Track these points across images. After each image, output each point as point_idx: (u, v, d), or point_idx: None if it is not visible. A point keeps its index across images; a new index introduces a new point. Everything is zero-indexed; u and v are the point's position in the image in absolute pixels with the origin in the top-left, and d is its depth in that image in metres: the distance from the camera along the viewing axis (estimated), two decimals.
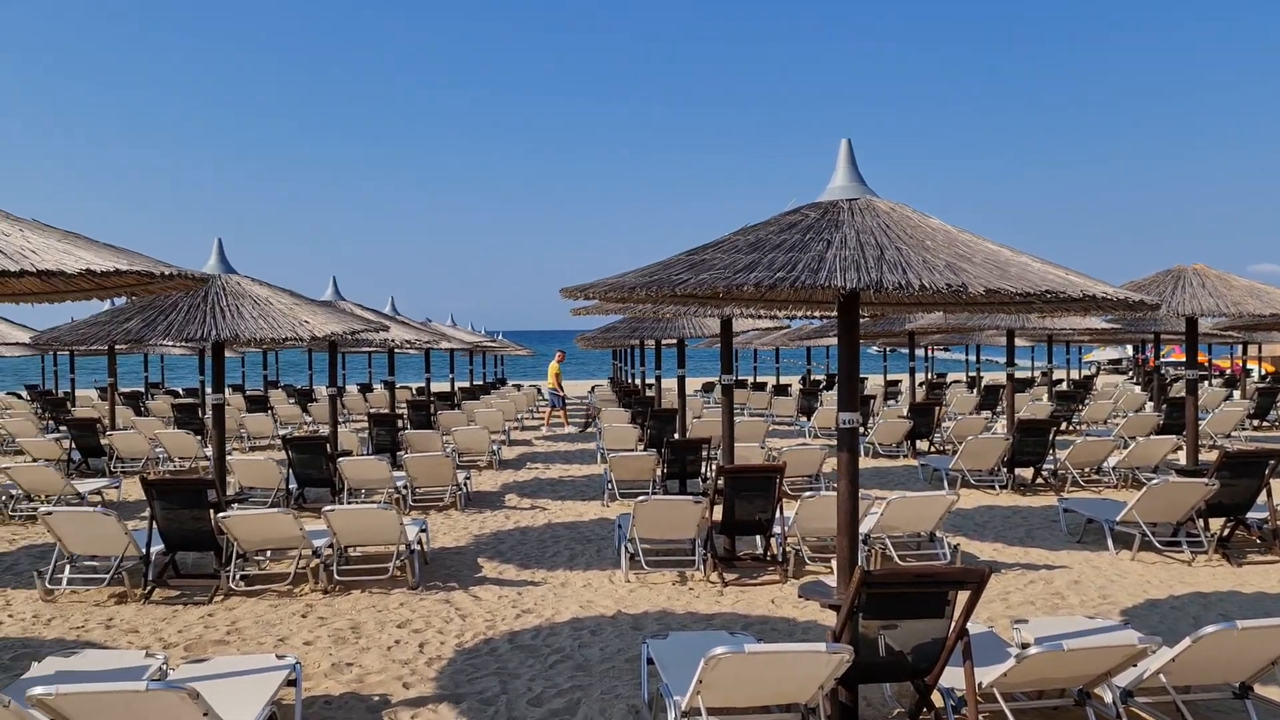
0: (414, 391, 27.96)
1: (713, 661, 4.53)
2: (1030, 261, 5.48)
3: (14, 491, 12.43)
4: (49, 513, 8.61)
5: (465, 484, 12.92)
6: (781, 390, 29.44)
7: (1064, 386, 29.29)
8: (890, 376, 32.10)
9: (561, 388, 25.63)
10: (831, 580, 6.19)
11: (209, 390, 27.00)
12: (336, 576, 8.73)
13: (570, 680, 6.36)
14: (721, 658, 4.52)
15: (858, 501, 5.78)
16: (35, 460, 15.47)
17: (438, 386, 28.76)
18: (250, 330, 8.66)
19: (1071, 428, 21.60)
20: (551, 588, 8.70)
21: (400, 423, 16.37)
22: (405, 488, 12.45)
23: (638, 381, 31.31)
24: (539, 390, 35.13)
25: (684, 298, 7.07)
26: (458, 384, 28.60)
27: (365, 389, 32.21)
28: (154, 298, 8.52)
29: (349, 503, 11.82)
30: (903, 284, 4.81)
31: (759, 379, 34.81)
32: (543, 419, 27.28)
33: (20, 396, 32.45)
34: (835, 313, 7.66)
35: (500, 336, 35.41)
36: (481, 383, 36.47)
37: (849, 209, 5.70)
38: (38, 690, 4.16)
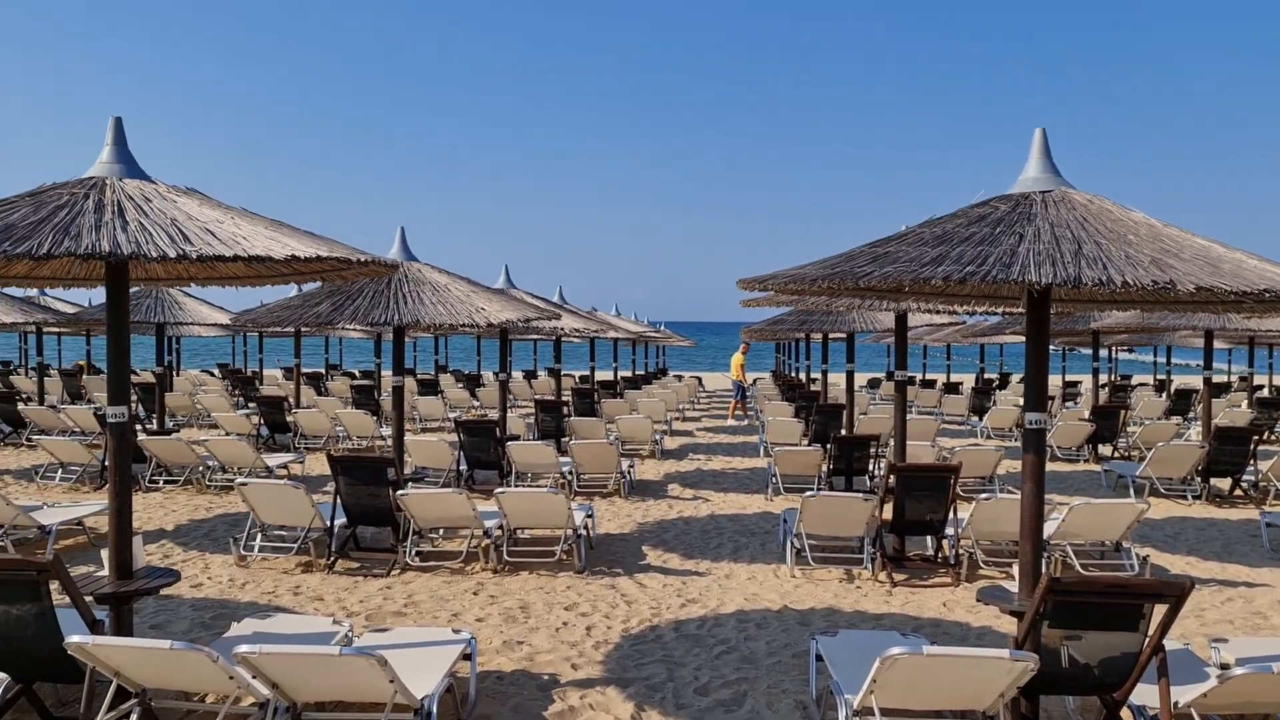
0: (577, 379, 28.47)
1: (889, 661, 4.41)
2: (1245, 258, 5.09)
3: (211, 463, 13.29)
4: (244, 484, 9.17)
5: (629, 472, 13.05)
6: (952, 388, 28.52)
7: (1265, 393, 27.31)
8: (1069, 376, 30.65)
9: (745, 379, 25.33)
10: (1011, 586, 5.94)
11: (387, 373, 28.27)
12: (506, 557, 8.96)
13: (736, 672, 6.33)
14: (898, 658, 4.39)
15: (1043, 505, 5.52)
16: (228, 434, 16.52)
17: (601, 375, 29.20)
18: (430, 316, 8.96)
19: (1274, 437, 20.14)
20: (716, 579, 8.68)
21: (565, 410, 16.67)
22: (570, 473, 12.67)
23: (800, 375, 30.96)
24: (699, 381, 35.17)
25: (862, 291, 6.90)
26: (620, 373, 28.96)
27: (530, 375, 33.02)
28: (342, 283, 8.93)
29: (516, 486, 12.13)
30: (1103, 280, 4.55)
31: (928, 375, 33.84)
32: (704, 410, 27.30)
33: (212, 374, 34.75)
34: (1020, 309, 7.36)
35: (662, 327, 35.63)
36: (643, 372, 36.79)
37: (1042, 201, 5.43)
38: (243, 648, 4.42)
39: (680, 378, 36.60)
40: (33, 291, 22.45)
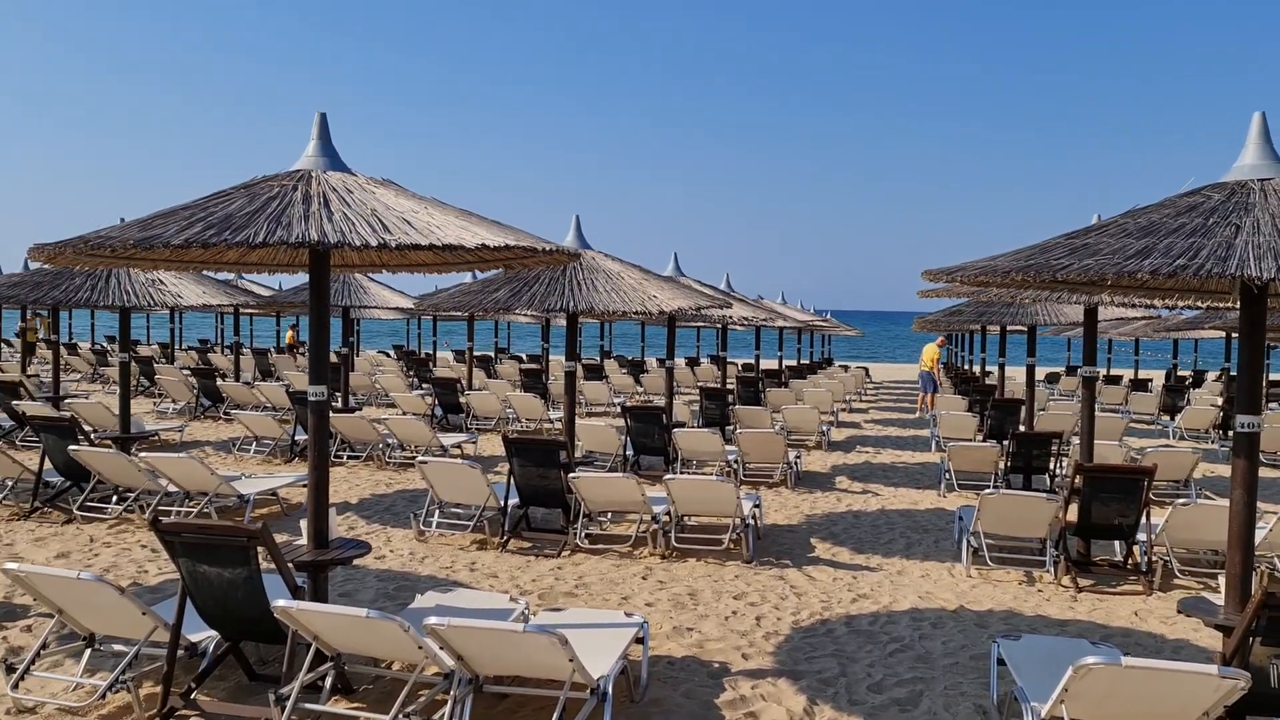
0: (740, 367, 28.39)
1: (1082, 671, 4.22)
2: None
3: (390, 440, 13.90)
4: (424, 462, 9.55)
5: (796, 462, 12.93)
6: (1140, 385, 26.97)
7: None
8: (1272, 375, 28.55)
9: (939, 373, 24.34)
10: (1215, 598, 5.58)
11: (555, 357, 28.93)
12: (674, 543, 9.03)
13: (911, 671, 6.18)
14: (1093, 668, 4.19)
15: (1254, 513, 5.17)
16: (405, 413, 17.25)
17: (765, 363, 29.02)
18: (604, 303, 9.10)
19: None
20: (888, 575, 8.51)
21: (730, 398, 16.65)
22: (736, 462, 12.66)
23: (974, 368, 29.93)
24: (866, 371, 34.48)
25: (1056, 284, 6.60)
26: (785, 361, 28.71)
27: (693, 362, 33.14)
28: (521, 270, 9.16)
29: (682, 473, 12.20)
30: None
31: (1113, 371, 32.14)
32: (871, 402, 26.78)
33: (388, 355, 36.34)
34: (1228, 304, 6.89)
35: (829, 316, 35.10)
36: (808, 361, 36.36)
37: (1261, 190, 5.06)
38: (432, 620, 4.61)
39: (847, 368, 35.99)
40: (230, 275, 24.07)
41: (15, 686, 5.38)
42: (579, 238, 9.85)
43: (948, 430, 15.86)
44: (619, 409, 21.13)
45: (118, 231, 5.17)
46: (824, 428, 16.75)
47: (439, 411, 18.26)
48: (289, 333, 36.46)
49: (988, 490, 8.42)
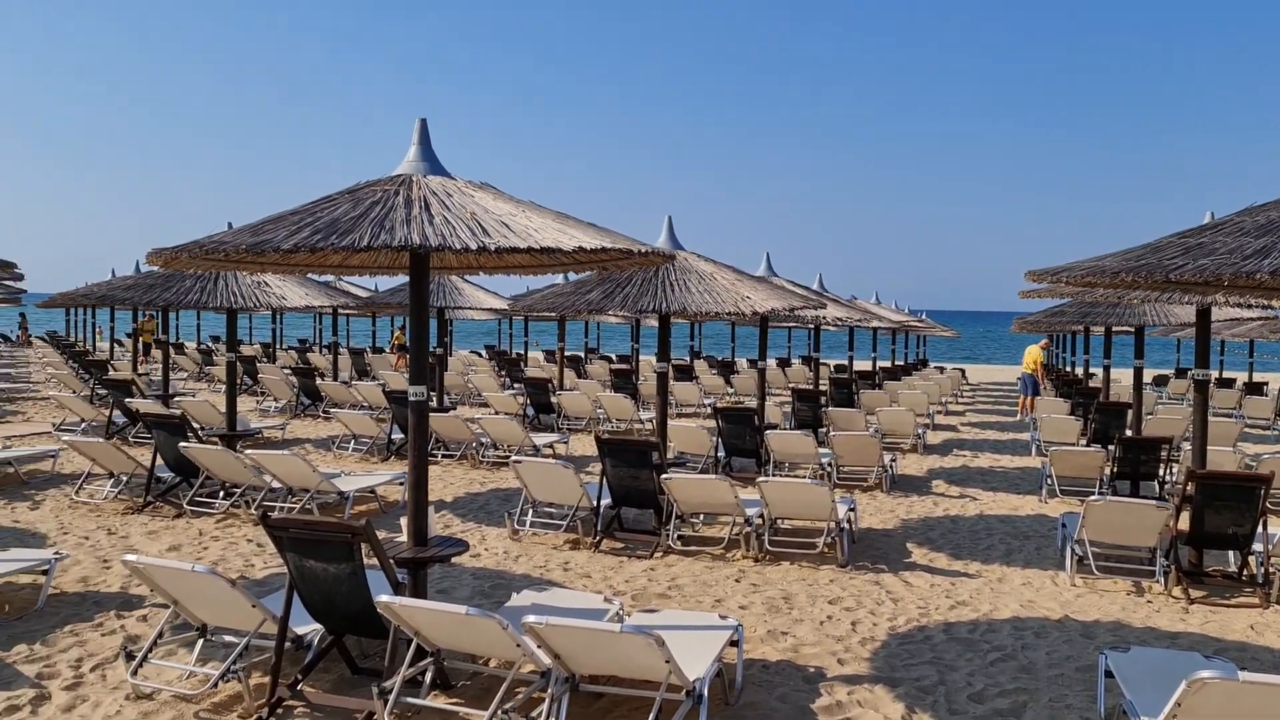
0: (832, 368, 28.07)
1: (1197, 685, 4.06)
2: None
3: (484, 439, 14.11)
4: (518, 461, 9.67)
5: (891, 466, 12.74)
6: (1255, 388, 25.83)
7: None
8: None
9: (1041, 375, 23.59)
10: None
11: (645, 358, 28.98)
12: (767, 546, 8.97)
13: (1014, 681, 6.04)
14: (1208, 683, 4.03)
15: None
16: (498, 413, 17.49)
17: (859, 364, 28.66)
18: (697, 304, 9.09)
19: None
20: (987, 581, 8.32)
21: (823, 399, 16.49)
22: (830, 464, 12.52)
23: (1076, 370, 29.09)
24: (963, 373, 33.77)
25: (1167, 284, 6.38)
26: (879, 363, 28.31)
27: (784, 363, 32.90)
28: (616, 272, 9.21)
29: (774, 475, 12.12)
30: None
31: (1225, 373, 30.88)
32: (968, 404, 26.22)
33: (480, 355, 36.91)
34: None
35: (924, 316, 34.45)
36: (903, 363, 35.76)
37: None
38: (530, 619, 4.66)
39: (943, 369, 35.29)
40: (329, 277, 24.73)
41: (134, 673, 5.61)
42: (671, 238, 9.86)
43: (1049, 434, 15.44)
44: (710, 410, 21.11)
45: (230, 236, 5.36)
46: (919, 430, 16.45)
47: (531, 411, 18.47)
48: (397, 333, 37.43)
49: (1093, 497, 8.17)
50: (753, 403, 21.33)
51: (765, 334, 13.53)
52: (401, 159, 6.14)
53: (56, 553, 7.62)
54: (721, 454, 12.98)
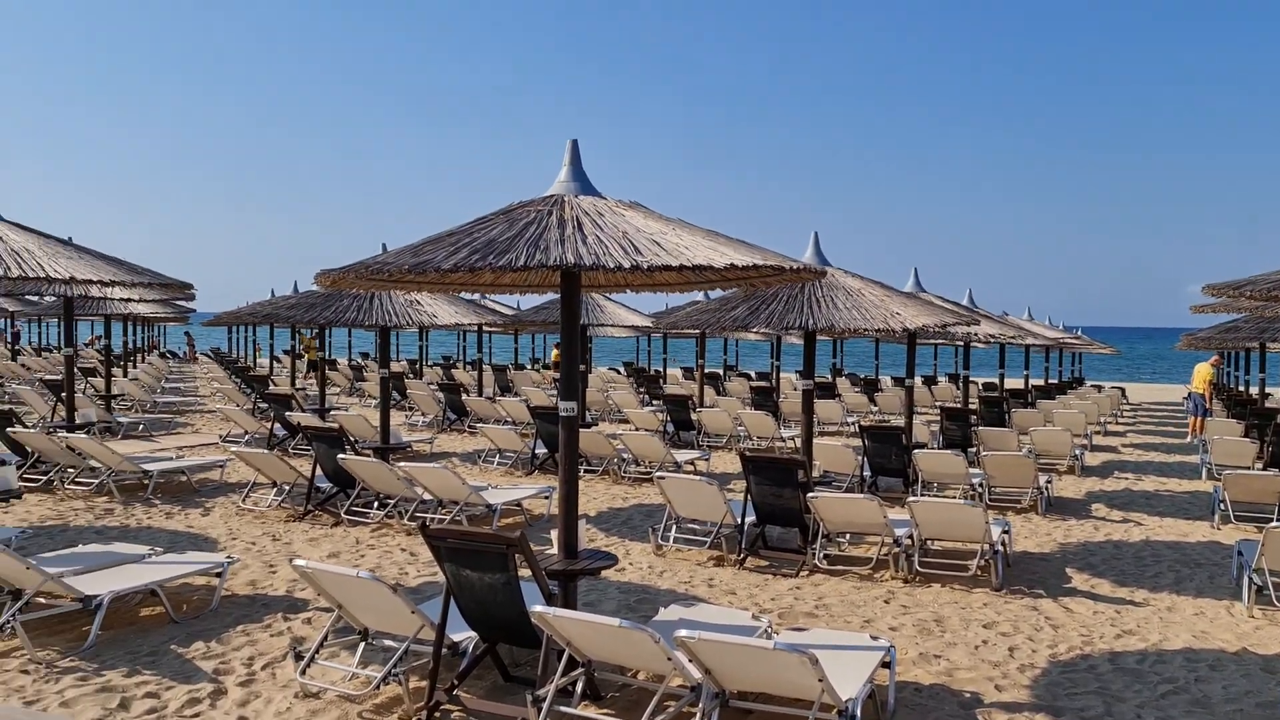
0: (981, 386, 27.23)
1: None
2: None
3: (625, 455, 14.23)
4: (662, 478, 9.71)
5: (1046, 487, 12.26)
6: None
7: None
8: None
9: (1211, 397, 21.77)
10: None
11: (787, 375, 28.70)
12: (917, 567, 8.75)
13: (1187, 715, 5.71)
14: None
15: None
16: (638, 429, 17.61)
17: (1009, 383, 27.70)
18: (844, 321, 8.97)
19: None
20: (1156, 610, 7.90)
21: (972, 418, 16.00)
22: (981, 485, 12.13)
23: (1249, 389, 27.41)
24: (1122, 392, 32.23)
25: None
26: (1031, 381, 27.29)
27: (929, 381, 32.10)
28: (764, 289, 9.17)
29: (923, 495, 11.82)
30: None
31: None
32: (1129, 424, 25.00)
33: (618, 371, 37.29)
34: None
35: (1079, 332, 33.06)
36: (1057, 381, 34.38)
37: None
38: (683, 633, 4.68)
39: (1100, 388, 33.75)
40: (475, 295, 25.43)
41: (303, 673, 5.88)
42: (818, 254, 9.77)
43: (1222, 457, 14.58)
44: (854, 428, 20.76)
45: (393, 257, 5.58)
46: (1077, 451, 15.77)
47: (670, 428, 18.54)
48: (555, 351, 38.35)
49: (1274, 524, 7.67)
50: (898, 421, 20.89)
51: (913, 351, 13.24)
52: (553, 180, 6.28)
53: (228, 557, 8.06)
54: (867, 473, 12.75)
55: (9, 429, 12.82)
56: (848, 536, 9.77)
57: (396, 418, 22.09)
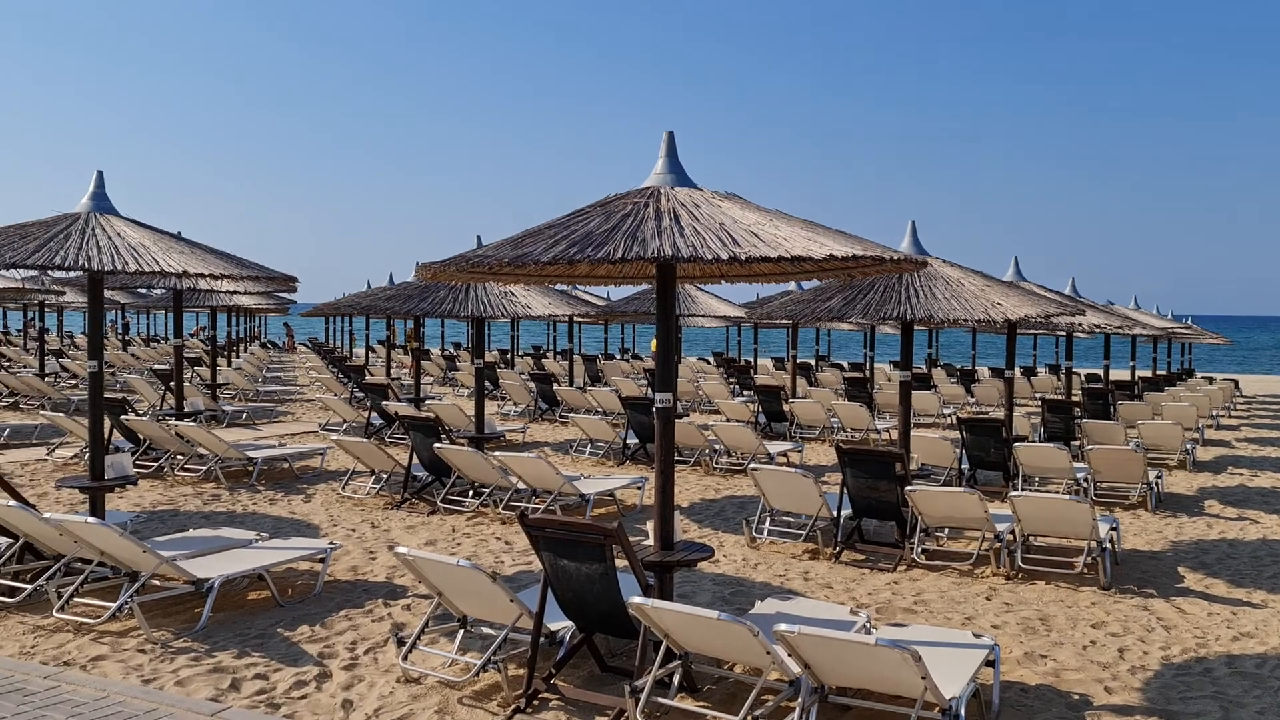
0: (1083, 378, 26.42)
1: None
2: None
3: (717, 446, 14.17)
4: (756, 469, 9.65)
5: (1156, 483, 11.83)
6: None
7: None
8: None
9: None
10: None
11: (881, 366, 28.22)
12: (1020, 564, 8.53)
13: None
14: None
15: None
16: (729, 420, 17.53)
17: (1115, 374, 26.80)
18: (943, 311, 8.78)
19: None
20: (1275, 613, 7.56)
21: (1076, 411, 15.52)
22: (1086, 480, 11.77)
23: None
24: (1235, 384, 30.93)
25: None
26: (1137, 372, 26.34)
27: (1028, 372, 31.27)
28: (855, 279, 9.03)
29: (1024, 489, 11.52)
30: None
31: None
32: (1243, 418, 24.00)
33: (708, 362, 37.20)
34: None
35: (1189, 321, 31.79)
36: (1165, 372, 33.14)
37: None
38: (782, 627, 4.63)
39: (1212, 380, 32.43)
40: (563, 286, 25.63)
41: (405, 658, 6.00)
42: (915, 244, 9.57)
43: None
44: (950, 420, 20.36)
45: (493, 250, 5.63)
46: (1188, 446, 15.19)
47: (762, 419, 18.40)
48: (654, 343, 38.55)
49: None
50: (996, 413, 20.41)
51: (1013, 342, 12.89)
52: (649, 171, 6.25)
53: (330, 543, 8.26)
54: (965, 466, 12.48)
55: (123, 417, 13.36)
56: (946, 531, 9.58)
57: (489, 407, 22.39)
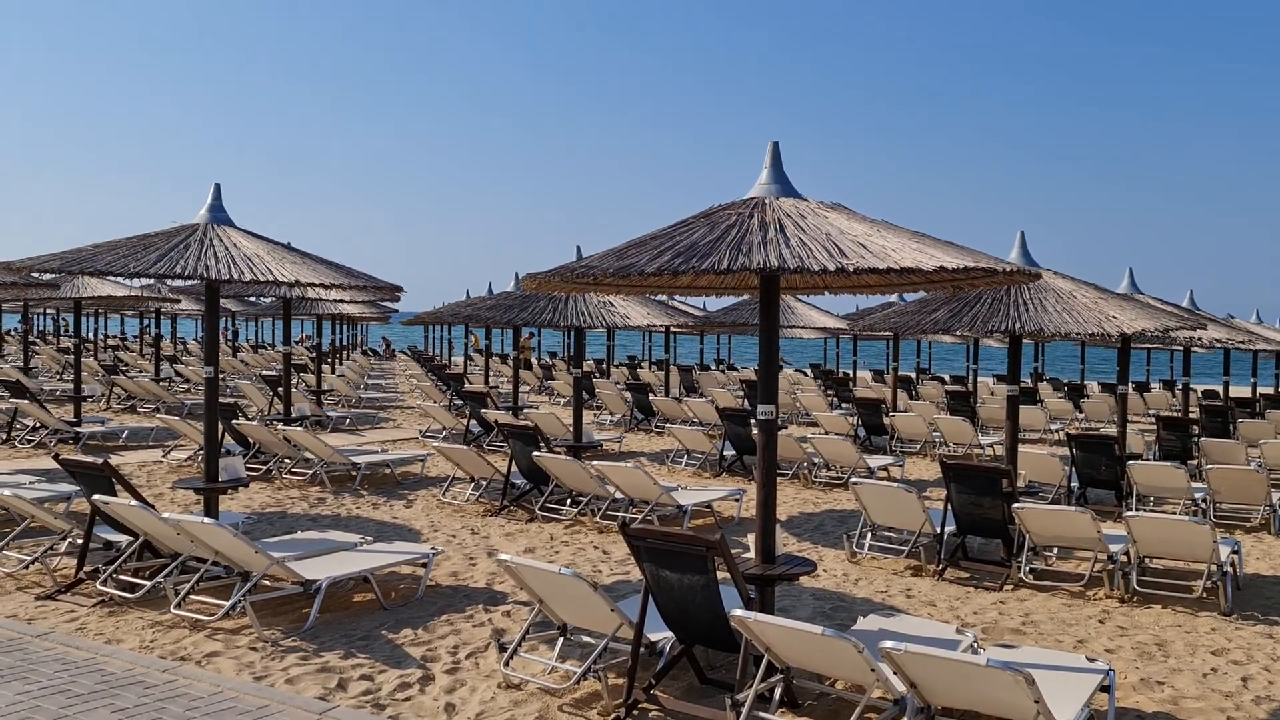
0: (1199, 394, 25.39)
1: None
2: None
3: (816, 460, 14.00)
4: (857, 483, 9.49)
5: (1279, 505, 11.27)
6: None
7: None
8: None
9: None
10: None
11: (984, 379, 27.45)
12: (1135, 586, 8.21)
13: None
14: None
15: None
16: (827, 433, 17.30)
17: (1235, 391, 25.65)
18: (1054, 324, 8.55)
19: None
20: None
21: (1194, 428, 14.90)
22: (1204, 501, 11.28)
23: None
24: None
25: None
26: (1260, 389, 25.20)
27: (1141, 388, 30.18)
28: (963, 291, 8.84)
29: (1137, 509, 11.10)
30: None
31: None
32: None
33: (805, 374, 36.81)
34: None
35: None
36: None
37: None
38: (889, 644, 4.54)
39: None
40: (661, 296, 25.69)
41: (506, 664, 6.06)
42: (1024, 254, 9.33)
43: None
44: (1058, 436, 19.76)
45: (597, 261, 5.67)
46: None
47: (862, 432, 18.13)
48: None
49: None
50: (1107, 429, 19.74)
51: (1126, 356, 12.45)
52: (753, 182, 6.23)
53: (432, 548, 8.41)
54: (1075, 484, 12.09)
55: (234, 421, 13.83)
56: (1055, 550, 9.28)
57: (585, 416, 22.51)
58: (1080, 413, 23.27)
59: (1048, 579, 8.64)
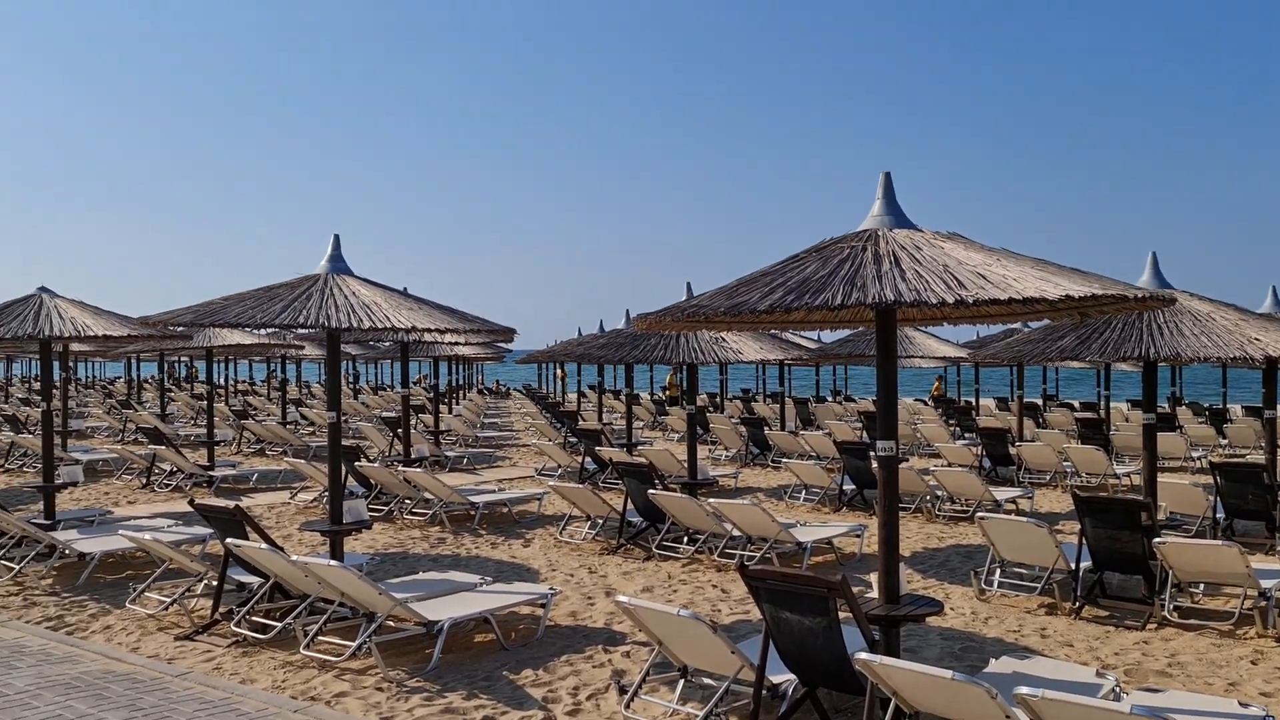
0: None
1: None
2: None
3: (939, 493, 13.59)
4: (984, 518, 9.17)
5: None
6: None
7: None
8: None
9: None
10: None
11: (1117, 405, 26.33)
12: None
13: None
14: None
15: None
16: (950, 465, 16.81)
17: None
18: (1191, 349, 8.13)
19: None
20: None
21: None
22: None
23: None
24: None
25: None
26: None
27: None
28: (1091, 317, 8.50)
29: None
30: None
31: None
32: None
33: (925, 403, 35.97)
34: None
35: None
36: None
37: None
38: (1025, 690, 4.32)
39: None
40: (773, 330, 25.55)
41: (627, 706, 6.00)
42: (1157, 277, 8.91)
43: None
44: (1199, 464, 18.76)
45: (708, 300, 5.64)
46: None
47: (987, 463, 17.55)
48: (936, 383, 39.01)
49: None
50: (1255, 456, 18.67)
51: (1273, 379, 11.74)
52: (864, 215, 6.12)
53: (551, 588, 8.43)
54: (1220, 515, 11.43)
55: (356, 463, 14.21)
56: (1202, 587, 8.77)
57: (700, 452, 22.44)
58: (1224, 439, 22.07)
59: (1194, 617, 8.16)
